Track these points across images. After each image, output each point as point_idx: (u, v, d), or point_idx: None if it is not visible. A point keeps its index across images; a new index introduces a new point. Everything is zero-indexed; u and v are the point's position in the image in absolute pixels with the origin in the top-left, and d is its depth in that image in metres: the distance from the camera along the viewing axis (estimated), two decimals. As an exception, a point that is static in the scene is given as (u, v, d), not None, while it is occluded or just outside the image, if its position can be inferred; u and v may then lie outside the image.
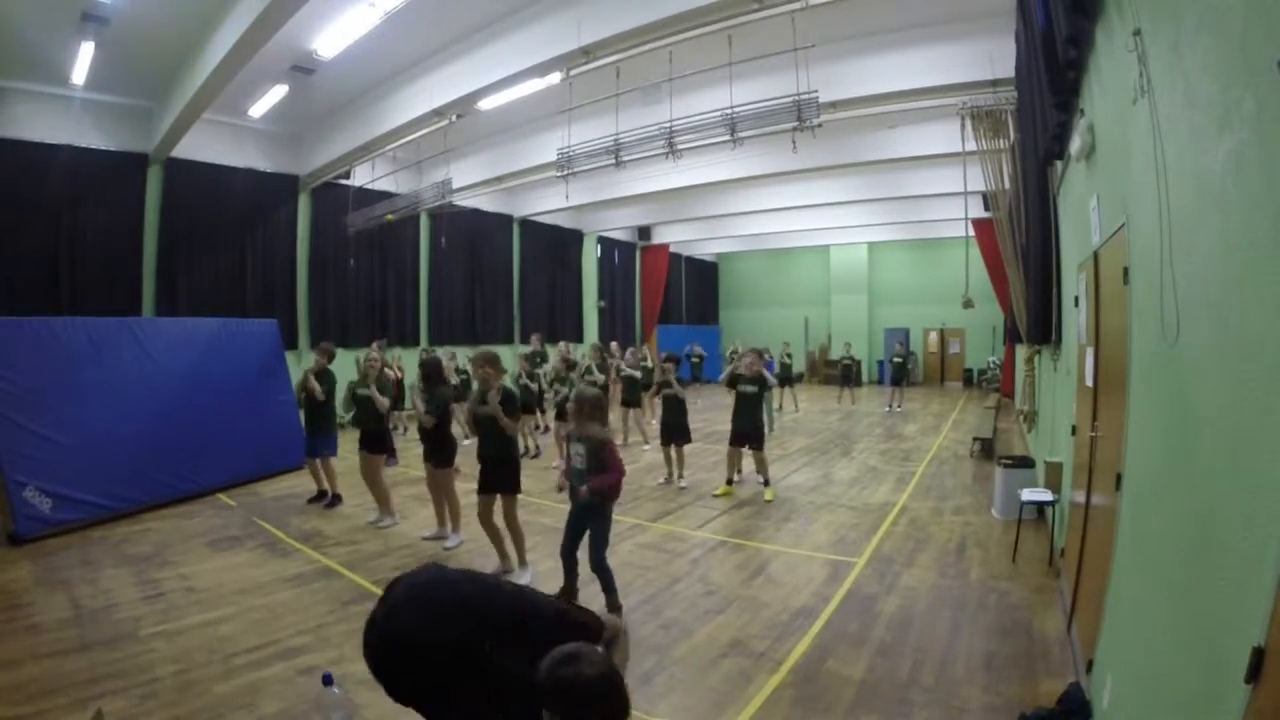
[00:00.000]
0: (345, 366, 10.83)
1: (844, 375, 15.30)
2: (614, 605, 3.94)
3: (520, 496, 4.70)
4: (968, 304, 9.52)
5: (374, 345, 9.92)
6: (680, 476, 7.50)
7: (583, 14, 6.67)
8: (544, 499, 6.82)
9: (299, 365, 6.83)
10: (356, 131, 10.03)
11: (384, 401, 6.01)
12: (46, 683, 3.21)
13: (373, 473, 6.05)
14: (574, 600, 4.20)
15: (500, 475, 4.55)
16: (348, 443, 9.64)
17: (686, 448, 7.66)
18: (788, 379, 13.24)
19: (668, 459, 7.64)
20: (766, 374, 7.26)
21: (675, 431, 7.46)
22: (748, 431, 6.89)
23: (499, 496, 4.58)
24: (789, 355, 14.56)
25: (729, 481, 7.09)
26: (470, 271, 15.32)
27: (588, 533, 4.01)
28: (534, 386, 9.46)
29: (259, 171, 11.28)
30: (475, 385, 4.78)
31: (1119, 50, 2.48)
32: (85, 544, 5.48)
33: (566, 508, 6.33)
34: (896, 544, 5.36)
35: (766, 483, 6.92)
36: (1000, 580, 4.51)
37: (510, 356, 14.29)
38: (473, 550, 5.25)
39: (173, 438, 6.73)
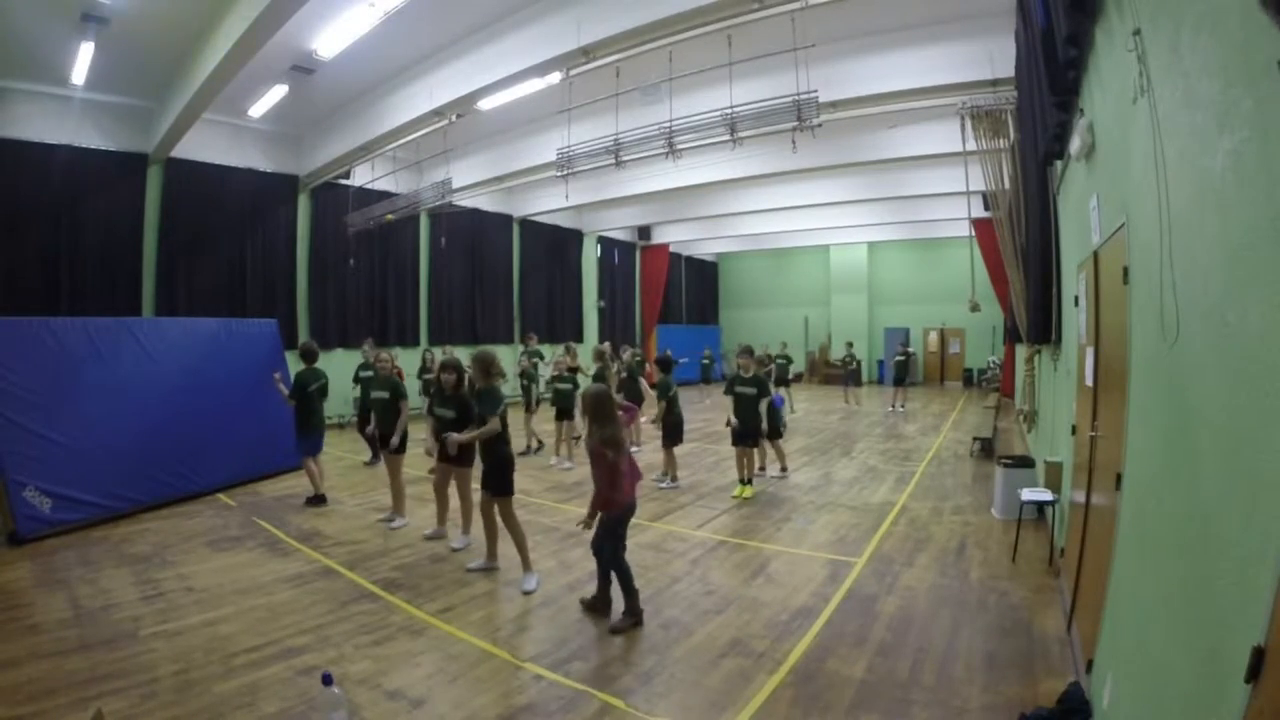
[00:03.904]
0: (344, 366, 10.87)
1: (847, 375, 15.13)
2: (632, 609, 3.91)
3: (518, 496, 4.69)
4: (975, 307, 9.54)
5: (367, 343, 9.92)
6: (673, 477, 7.49)
7: (582, 14, 6.66)
8: (543, 499, 6.82)
9: (298, 365, 6.81)
10: (356, 131, 10.04)
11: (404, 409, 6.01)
12: (46, 683, 3.21)
13: (395, 474, 6.08)
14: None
15: (490, 475, 4.56)
16: (346, 442, 9.64)
17: (679, 449, 7.68)
18: (784, 379, 13.20)
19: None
20: (768, 383, 7.27)
21: (670, 431, 7.48)
22: (747, 431, 6.88)
23: (493, 497, 4.59)
24: (786, 355, 14.42)
25: (742, 481, 7.03)
26: (470, 271, 15.32)
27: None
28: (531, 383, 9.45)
29: (259, 171, 11.28)
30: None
31: (1119, 50, 2.48)
32: (85, 544, 5.48)
33: (566, 508, 6.37)
34: (896, 544, 5.35)
35: (749, 480, 6.97)
36: (1000, 580, 4.51)
37: (510, 357, 14.29)
38: (481, 552, 5.25)
39: (173, 438, 6.72)
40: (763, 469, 7.73)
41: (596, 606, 4.06)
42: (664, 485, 7.37)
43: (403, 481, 6.11)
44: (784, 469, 7.81)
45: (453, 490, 5.48)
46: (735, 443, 7.01)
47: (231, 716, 2.93)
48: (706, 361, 17.36)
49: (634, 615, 3.89)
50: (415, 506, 6.42)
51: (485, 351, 4.77)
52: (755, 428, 6.86)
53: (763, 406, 6.79)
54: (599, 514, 3.96)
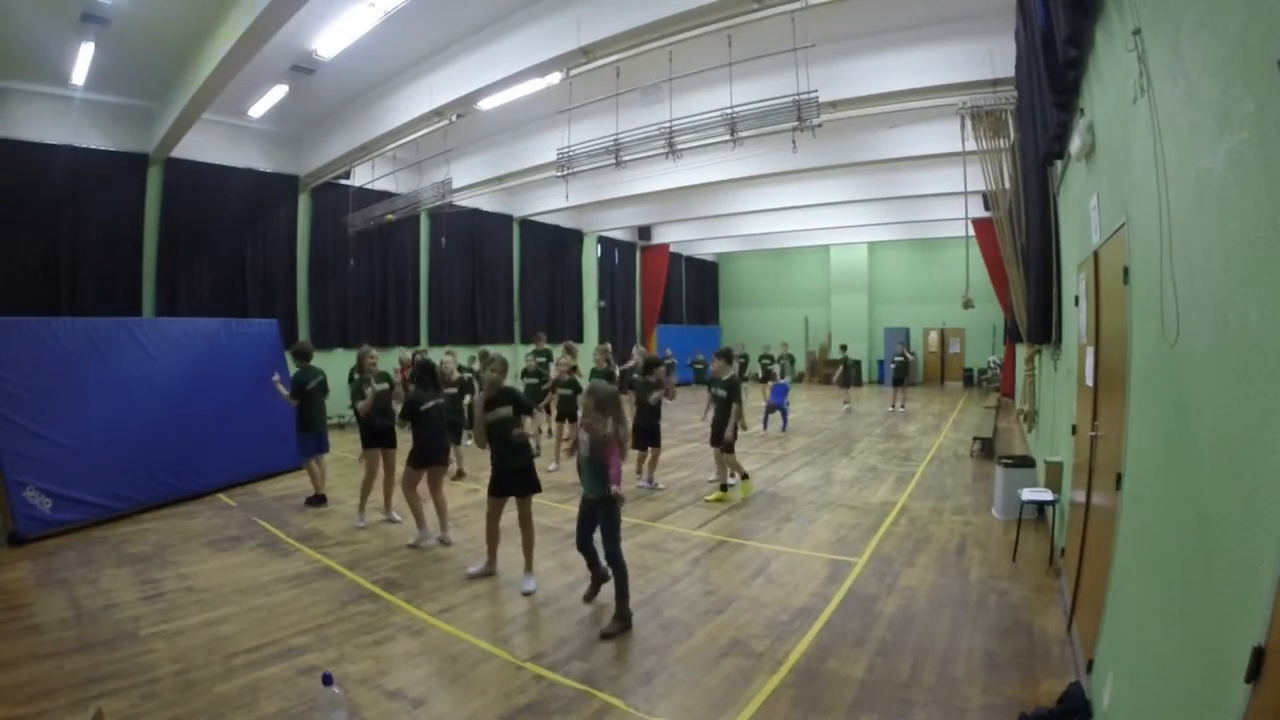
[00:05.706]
0: (345, 367, 10.85)
1: (844, 376, 14.99)
2: (623, 613, 3.85)
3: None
4: (968, 304, 9.53)
5: (365, 346, 9.88)
6: (650, 479, 7.41)
7: (582, 14, 6.66)
8: (543, 499, 6.80)
9: (294, 367, 6.83)
10: (356, 131, 10.04)
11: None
12: (46, 683, 3.21)
13: (386, 472, 6.15)
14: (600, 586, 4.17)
15: (519, 478, 4.53)
16: (346, 442, 9.63)
17: (675, 450, 7.63)
18: (769, 377, 12.95)
19: (639, 462, 7.52)
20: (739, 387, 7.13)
21: (645, 435, 7.30)
22: (715, 432, 6.77)
23: (515, 499, 4.56)
24: (781, 356, 13.92)
25: (722, 487, 6.92)
26: (470, 271, 15.32)
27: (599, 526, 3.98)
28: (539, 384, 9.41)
29: (259, 171, 11.28)
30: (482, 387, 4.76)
31: (1119, 49, 2.48)
32: (85, 544, 5.48)
33: (566, 508, 6.37)
34: (896, 544, 5.35)
35: (732, 481, 6.97)
36: (1000, 580, 4.51)
37: (511, 357, 14.23)
38: (470, 550, 5.25)
39: (173, 438, 6.72)
40: (733, 476, 7.11)
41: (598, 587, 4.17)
42: (648, 484, 7.34)
43: (444, 496, 5.65)
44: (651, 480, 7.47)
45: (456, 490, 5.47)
46: (712, 443, 6.97)
47: (232, 716, 2.93)
48: (699, 365, 17.14)
49: (625, 619, 3.84)
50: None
51: (502, 355, 4.82)
52: (719, 430, 6.71)
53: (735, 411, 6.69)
54: (614, 504, 3.86)
